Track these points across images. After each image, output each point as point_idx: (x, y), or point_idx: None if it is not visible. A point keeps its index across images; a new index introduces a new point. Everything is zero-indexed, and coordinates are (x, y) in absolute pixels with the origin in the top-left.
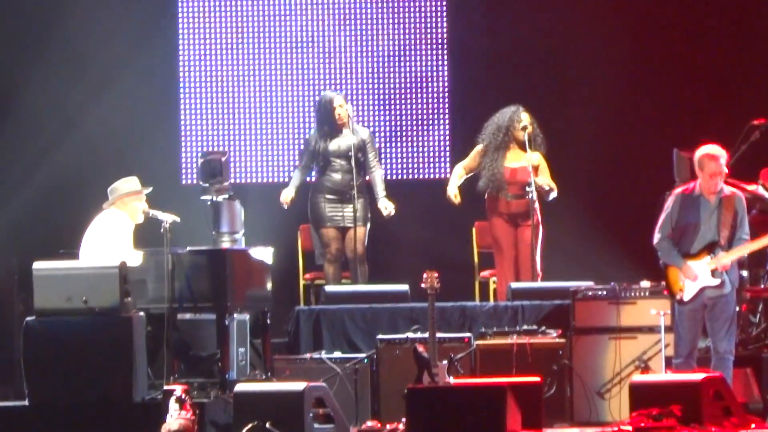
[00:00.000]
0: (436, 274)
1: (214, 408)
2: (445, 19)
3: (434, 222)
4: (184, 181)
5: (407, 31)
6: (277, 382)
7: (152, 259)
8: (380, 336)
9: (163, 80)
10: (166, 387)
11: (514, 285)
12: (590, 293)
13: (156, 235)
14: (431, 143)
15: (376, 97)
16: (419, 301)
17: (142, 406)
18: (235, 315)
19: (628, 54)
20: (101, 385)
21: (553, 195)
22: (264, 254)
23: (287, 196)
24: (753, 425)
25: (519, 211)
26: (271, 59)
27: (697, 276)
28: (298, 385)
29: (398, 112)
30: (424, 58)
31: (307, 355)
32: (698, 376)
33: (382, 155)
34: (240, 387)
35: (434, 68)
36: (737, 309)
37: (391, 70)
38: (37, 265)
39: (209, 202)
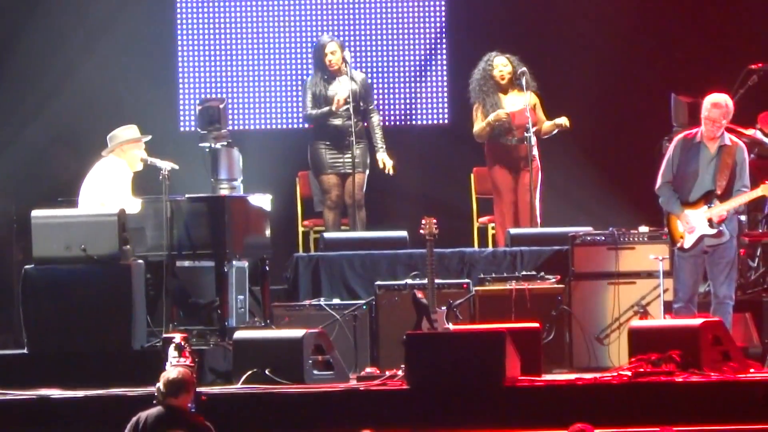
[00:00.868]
0: (435, 221)
1: (213, 355)
2: None
3: (432, 168)
4: (182, 128)
5: None
6: (276, 329)
7: (151, 207)
8: (379, 282)
9: (160, 27)
10: (165, 334)
11: (513, 231)
12: (589, 238)
13: (154, 183)
14: (429, 89)
15: (373, 43)
16: (418, 247)
17: (141, 354)
18: (234, 262)
19: None
20: (100, 333)
21: (564, 123)
22: (262, 201)
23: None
24: (752, 370)
25: (519, 155)
26: (268, 5)
27: (693, 226)
28: (297, 332)
29: (396, 58)
30: (421, 2)
31: (306, 302)
32: (697, 321)
33: (381, 102)
34: (239, 334)
35: (432, 13)
36: (737, 254)
37: (389, 15)
38: (36, 213)
39: (207, 149)
